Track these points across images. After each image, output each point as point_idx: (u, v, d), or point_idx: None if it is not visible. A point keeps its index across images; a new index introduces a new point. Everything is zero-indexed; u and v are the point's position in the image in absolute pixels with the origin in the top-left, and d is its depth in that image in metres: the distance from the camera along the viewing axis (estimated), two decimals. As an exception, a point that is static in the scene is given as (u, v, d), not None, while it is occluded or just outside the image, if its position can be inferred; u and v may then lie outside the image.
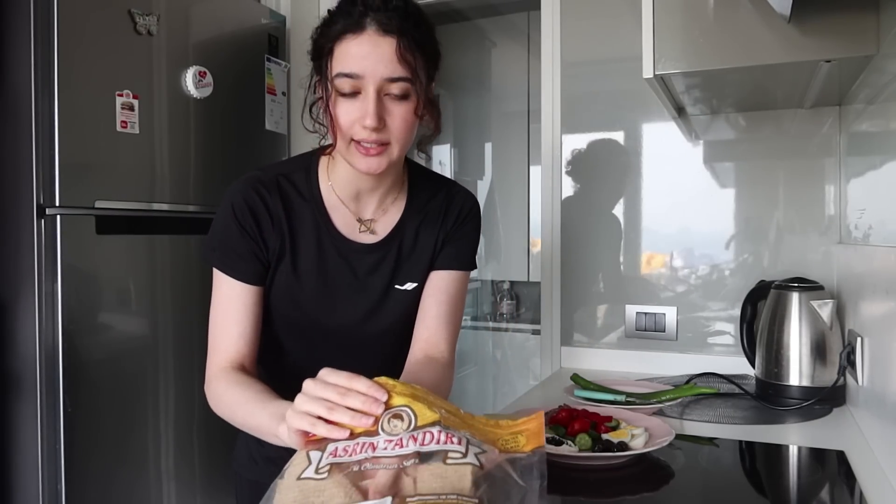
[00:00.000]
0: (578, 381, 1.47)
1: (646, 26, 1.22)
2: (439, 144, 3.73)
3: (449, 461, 0.61)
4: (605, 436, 1.06)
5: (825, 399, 1.38)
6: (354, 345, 1.06)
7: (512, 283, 3.63)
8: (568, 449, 1.03)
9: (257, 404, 0.85)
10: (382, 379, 0.72)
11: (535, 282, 3.35)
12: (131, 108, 1.61)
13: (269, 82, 2.01)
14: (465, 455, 0.62)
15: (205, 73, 1.78)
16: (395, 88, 0.90)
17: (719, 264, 1.79)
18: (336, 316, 1.04)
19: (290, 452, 0.70)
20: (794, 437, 1.24)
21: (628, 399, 1.35)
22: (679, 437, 1.18)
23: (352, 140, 0.92)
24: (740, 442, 1.20)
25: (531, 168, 3.50)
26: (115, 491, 1.59)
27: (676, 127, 1.81)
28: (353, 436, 0.67)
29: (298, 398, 0.73)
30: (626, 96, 1.86)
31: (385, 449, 0.64)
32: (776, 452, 1.17)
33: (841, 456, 1.11)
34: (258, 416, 0.84)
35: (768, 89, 1.49)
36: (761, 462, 1.16)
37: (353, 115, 0.90)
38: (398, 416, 0.67)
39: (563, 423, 1.12)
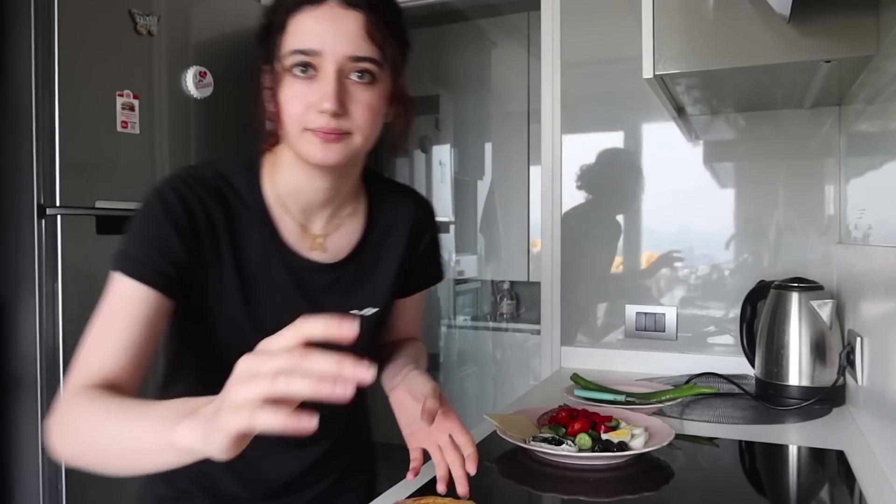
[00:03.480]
0: (578, 380, 1.47)
1: (645, 26, 1.22)
2: (439, 144, 3.73)
3: None
4: (604, 436, 1.07)
5: (825, 399, 1.38)
6: None
7: (512, 283, 3.63)
8: (568, 449, 1.03)
9: (136, 409, 0.63)
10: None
11: (535, 282, 3.36)
12: (132, 109, 1.61)
13: (269, 82, 2.01)
14: None
15: (205, 73, 1.78)
16: (360, 70, 0.77)
17: (719, 264, 1.79)
18: None
19: (213, 470, 0.58)
20: (794, 437, 1.24)
21: (628, 399, 1.35)
22: (679, 436, 1.18)
23: (304, 130, 0.78)
24: (740, 442, 1.20)
25: (531, 168, 3.50)
26: (116, 491, 1.60)
27: (676, 127, 1.81)
28: None
29: (231, 384, 0.50)
30: (625, 96, 1.86)
31: None
32: (776, 452, 1.17)
33: (841, 456, 1.12)
34: (139, 422, 0.60)
35: (768, 89, 1.49)
36: (761, 462, 1.16)
37: (307, 99, 0.77)
38: None
39: (563, 422, 1.12)
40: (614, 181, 1.90)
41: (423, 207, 1.02)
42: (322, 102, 0.76)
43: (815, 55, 1.14)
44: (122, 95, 1.59)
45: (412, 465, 0.90)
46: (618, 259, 1.90)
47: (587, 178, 1.93)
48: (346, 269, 0.91)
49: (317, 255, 0.89)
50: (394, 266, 0.96)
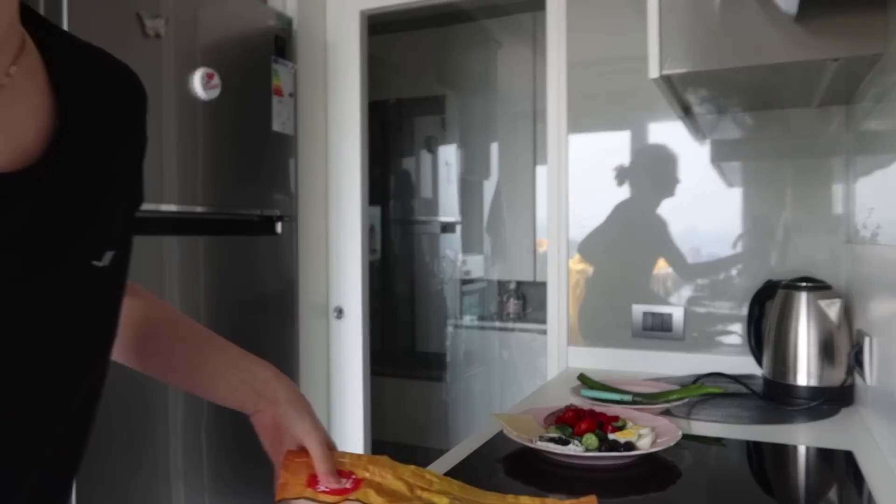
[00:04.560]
0: (585, 380, 1.47)
1: (651, 26, 1.22)
2: (445, 144, 3.74)
3: None
4: (611, 435, 1.07)
5: (833, 399, 1.38)
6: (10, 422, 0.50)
7: (518, 283, 3.63)
8: (574, 449, 1.03)
9: None
10: (420, 469, 0.72)
11: (541, 282, 3.36)
12: (139, 110, 1.62)
13: (275, 83, 2.02)
14: None
15: (212, 74, 1.79)
16: None
17: (727, 264, 1.79)
18: None
19: None
20: (802, 438, 1.23)
21: (635, 399, 1.35)
22: (686, 437, 1.18)
23: None
24: (748, 442, 1.20)
25: (537, 168, 3.50)
26: (125, 490, 1.61)
27: (683, 126, 1.81)
28: None
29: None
30: (632, 96, 1.86)
31: None
32: (784, 452, 1.17)
33: (849, 456, 1.11)
34: None
35: (775, 88, 1.49)
36: (769, 462, 1.16)
37: None
38: None
39: (569, 422, 1.12)
40: (621, 181, 1.90)
41: (135, 77, 0.63)
42: None
43: (822, 54, 1.14)
44: (129, 97, 1.60)
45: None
46: (624, 259, 1.89)
47: (594, 178, 1.92)
48: (45, 184, 0.48)
49: None
50: (128, 176, 0.60)
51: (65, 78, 0.53)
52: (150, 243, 1.67)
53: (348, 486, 0.68)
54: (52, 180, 0.49)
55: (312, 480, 0.68)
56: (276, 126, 2.04)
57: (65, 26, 1.47)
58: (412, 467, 0.71)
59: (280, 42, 2.06)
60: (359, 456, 0.72)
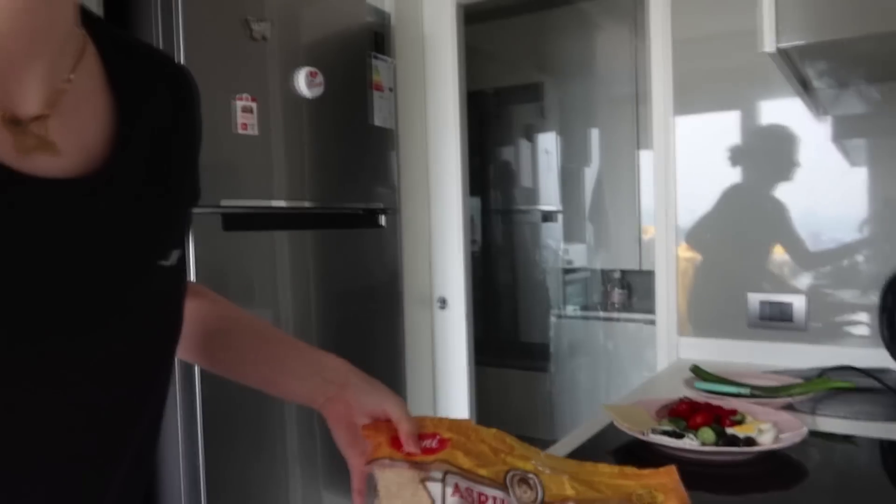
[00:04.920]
0: (699, 372, 1.42)
1: (766, -5, 1.14)
2: (544, 132, 3.69)
3: None
4: (729, 430, 1.02)
5: (981, 395, 1.26)
6: (74, 418, 0.49)
7: (623, 271, 3.55)
8: (690, 443, 0.99)
9: None
10: (501, 433, 0.69)
11: (647, 270, 3.26)
12: (250, 111, 1.69)
13: (375, 79, 2.06)
14: None
15: (316, 73, 1.85)
16: None
17: (851, 249, 1.66)
18: (38, 349, 0.46)
19: None
20: (945, 436, 1.13)
21: (753, 392, 1.29)
22: (811, 433, 1.11)
23: None
24: (881, 441, 1.11)
25: (640, 153, 3.39)
26: (250, 473, 1.70)
27: (800, 102, 1.69)
28: (475, 476, 0.63)
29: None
30: (743, 73, 1.76)
31: None
32: (924, 452, 1.08)
33: None
34: None
35: (908, 56, 1.37)
36: (907, 462, 1.07)
37: None
38: (525, 482, 0.62)
39: (683, 415, 1.08)
40: (733, 163, 1.80)
41: (189, 79, 0.64)
42: None
43: (965, 14, 1.03)
44: (240, 99, 1.68)
45: (355, 486, 0.75)
46: (737, 245, 1.80)
47: (702, 161, 1.84)
48: (113, 186, 0.50)
49: (49, 165, 0.46)
50: (185, 173, 0.61)
51: (122, 77, 0.54)
52: (262, 238, 1.75)
53: (434, 445, 0.66)
54: (118, 181, 0.51)
55: (396, 443, 0.67)
56: (377, 121, 2.08)
57: (180, 35, 1.56)
58: (494, 430, 0.69)
59: (378, 38, 2.10)
60: (440, 419, 0.70)
